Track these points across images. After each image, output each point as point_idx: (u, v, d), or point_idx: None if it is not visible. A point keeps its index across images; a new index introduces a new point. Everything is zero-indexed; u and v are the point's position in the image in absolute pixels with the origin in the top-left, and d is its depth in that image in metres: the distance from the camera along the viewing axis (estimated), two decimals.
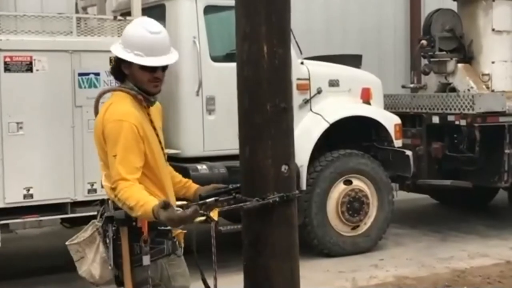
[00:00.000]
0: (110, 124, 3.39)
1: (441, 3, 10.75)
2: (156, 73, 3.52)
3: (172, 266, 3.55)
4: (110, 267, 3.49)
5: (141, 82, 3.52)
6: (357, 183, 8.27)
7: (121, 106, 3.45)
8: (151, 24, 3.55)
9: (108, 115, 3.43)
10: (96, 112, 3.65)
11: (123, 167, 3.32)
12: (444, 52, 9.87)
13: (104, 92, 3.67)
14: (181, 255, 3.63)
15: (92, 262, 3.52)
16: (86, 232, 3.58)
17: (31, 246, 9.03)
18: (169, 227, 3.46)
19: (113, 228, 3.46)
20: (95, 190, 6.82)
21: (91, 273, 3.52)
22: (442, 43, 9.80)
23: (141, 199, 3.24)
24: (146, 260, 3.41)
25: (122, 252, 3.44)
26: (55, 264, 7.70)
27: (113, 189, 3.34)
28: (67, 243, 3.59)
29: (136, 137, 3.39)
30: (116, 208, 3.45)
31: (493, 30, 9.81)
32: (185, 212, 3.19)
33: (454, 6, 10.26)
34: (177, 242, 3.60)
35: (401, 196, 9.70)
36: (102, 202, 3.64)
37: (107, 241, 3.49)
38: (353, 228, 8.29)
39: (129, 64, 3.49)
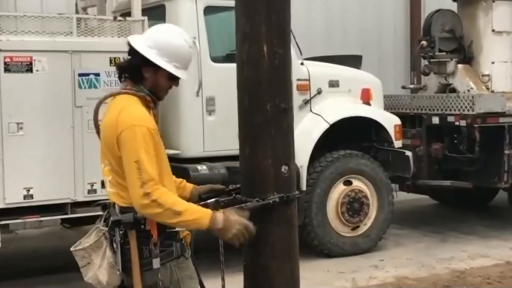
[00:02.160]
0: (128, 129, 3.32)
1: (441, 3, 10.74)
2: (176, 83, 3.56)
3: (181, 269, 3.49)
4: (118, 272, 3.40)
5: (160, 89, 3.53)
6: (357, 183, 8.27)
7: (135, 110, 3.40)
8: (188, 37, 3.60)
9: (125, 119, 3.35)
10: (96, 117, 3.60)
11: (152, 170, 3.30)
12: (444, 53, 9.88)
13: (106, 98, 3.57)
14: (189, 257, 3.57)
15: (99, 267, 3.43)
16: (90, 237, 3.50)
17: (31, 246, 9.03)
18: (177, 229, 3.42)
19: (121, 232, 3.38)
20: (95, 191, 6.82)
21: (98, 279, 3.43)
22: (442, 43, 9.80)
23: (191, 205, 3.36)
24: (156, 263, 3.35)
25: (131, 256, 3.36)
26: (55, 264, 7.70)
27: (148, 194, 3.26)
28: (72, 249, 3.50)
29: (155, 142, 3.38)
30: (123, 212, 3.39)
31: (493, 30, 9.81)
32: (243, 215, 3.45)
33: (454, 6, 10.26)
34: (185, 244, 3.54)
35: (401, 196, 9.71)
36: (104, 206, 3.56)
37: (114, 245, 3.41)
38: (353, 229, 8.29)
39: (156, 70, 3.46)
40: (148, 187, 3.27)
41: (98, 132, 3.61)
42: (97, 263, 3.44)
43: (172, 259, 3.45)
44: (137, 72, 3.49)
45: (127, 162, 3.32)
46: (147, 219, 3.35)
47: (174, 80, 3.55)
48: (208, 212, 3.36)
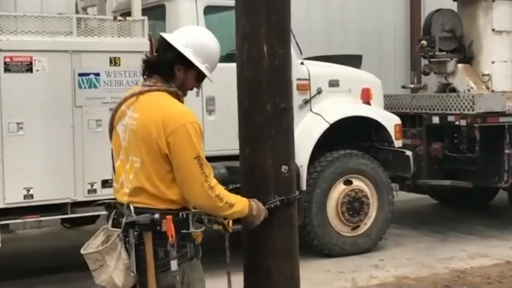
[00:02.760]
0: (183, 127, 3.34)
1: (441, 3, 10.73)
2: (199, 85, 3.65)
3: (192, 270, 3.48)
4: (132, 274, 3.37)
5: (186, 87, 3.60)
6: (357, 183, 8.26)
7: (181, 106, 3.47)
8: (217, 41, 3.69)
9: (175, 117, 3.37)
10: (114, 116, 3.56)
11: (209, 165, 3.41)
12: (444, 53, 9.87)
13: (133, 95, 3.51)
14: (199, 258, 3.56)
15: (114, 269, 3.38)
16: (98, 238, 3.46)
17: (31, 246, 9.02)
18: (191, 230, 3.41)
19: (135, 233, 3.35)
20: (95, 191, 6.81)
21: (114, 282, 3.38)
22: (442, 43, 9.80)
23: (235, 196, 3.54)
24: (174, 265, 3.33)
25: (147, 257, 3.35)
26: (55, 264, 7.71)
27: (212, 187, 3.37)
28: (83, 252, 3.44)
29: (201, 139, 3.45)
30: (139, 213, 3.37)
31: (493, 30, 9.80)
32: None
33: (454, 6, 10.25)
34: (197, 245, 3.52)
35: (401, 196, 9.70)
36: (108, 206, 3.55)
37: (127, 247, 3.38)
38: (353, 229, 8.28)
39: (187, 69, 3.51)
40: (211, 179, 3.38)
41: (111, 130, 3.60)
42: (112, 265, 3.38)
43: (185, 260, 3.42)
44: (169, 69, 3.51)
45: (185, 159, 3.35)
46: (163, 220, 3.32)
47: (199, 81, 3.61)
48: (246, 200, 3.57)
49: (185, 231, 3.40)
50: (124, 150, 3.50)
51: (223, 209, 3.43)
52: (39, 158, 6.66)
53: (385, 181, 8.46)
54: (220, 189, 3.42)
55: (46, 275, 7.46)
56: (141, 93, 3.49)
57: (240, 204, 3.52)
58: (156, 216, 3.33)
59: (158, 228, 3.34)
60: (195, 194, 3.36)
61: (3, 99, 6.53)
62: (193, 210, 3.43)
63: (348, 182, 8.23)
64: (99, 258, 3.41)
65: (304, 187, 7.84)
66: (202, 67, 3.53)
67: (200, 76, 3.57)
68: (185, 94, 3.61)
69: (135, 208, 3.39)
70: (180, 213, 3.39)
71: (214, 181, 3.39)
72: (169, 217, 3.33)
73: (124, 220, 3.38)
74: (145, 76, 3.58)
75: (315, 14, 12.38)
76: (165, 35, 3.56)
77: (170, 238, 3.30)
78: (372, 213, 8.36)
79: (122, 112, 3.53)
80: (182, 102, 3.55)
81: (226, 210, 3.44)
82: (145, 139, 3.38)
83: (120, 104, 3.56)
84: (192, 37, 3.58)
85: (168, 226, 3.32)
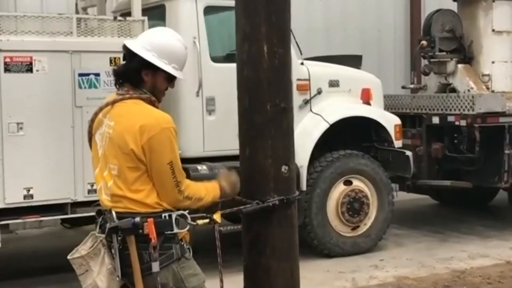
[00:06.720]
0: (160, 133, 3.38)
1: (441, 3, 10.74)
2: (172, 84, 3.63)
3: (183, 268, 3.51)
4: (118, 279, 3.41)
5: (159, 91, 3.59)
6: (357, 183, 8.26)
7: (156, 112, 3.48)
8: (181, 38, 3.66)
9: (152, 123, 3.39)
10: (92, 122, 3.64)
11: (181, 168, 3.48)
12: (444, 53, 9.87)
13: (108, 104, 3.57)
14: (191, 257, 3.58)
15: (98, 274, 3.44)
16: (86, 244, 3.51)
17: (31, 246, 9.03)
18: (175, 231, 3.45)
19: (119, 238, 3.40)
20: (95, 191, 6.76)
21: (98, 286, 3.44)
22: (442, 43, 9.80)
23: (206, 187, 3.64)
24: (155, 266, 3.36)
25: (132, 261, 3.38)
26: (55, 264, 7.69)
27: (181, 191, 3.45)
28: (69, 257, 3.51)
29: (176, 139, 3.47)
30: (120, 217, 3.40)
31: (493, 30, 9.80)
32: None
33: (454, 6, 10.26)
34: (184, 245, 3.55)
35: (401, 196, 9.70)
36: (99, 212, 3.58)
37: (113, 251, 3.42)
38: (353, 229, 8.28)
39: (154, 72, 3.50)
40: (181, 184, 3.45)
41: (90, 139, 3.68)
42: (96, 270, 3.44)
43: (172, 261, 3.45)
44: (136, 76, 3.52)
45: (159, 164, 3.41)
46: (145, 223, 3.37)
47: (171, 81, 3.60)
48: (216, 186, 3.65)
49: (169, 232, 3.43)
50: (102, 157, 3.56)
51: (192, 205, 3.54)
52: (39, 158, 6.66)
53: (385, 181, 8.47)
54: (189, 190, 3.50)
55: (46, 275, 7.47)
56: (115, 101, 3.54)
57: (210, 193, 3.61)
58: (137, 220, 3.37)
59: (141, 231, 3.37)
60: (166, 196, 3.45)
61: (3, 99, 6.53)
62: (176, 211, 3.48)
63: (348, 182, 8.23)
64: (84, 263, 3.47)
65: (304, 187, 7.84)
66: (168, 68, 3.51)
67: (170, 77, 3.57)
68: (160, 96, 3.62)
69: (117, 213, 3.43)
70: (163, 215, 3.43)
71: (184, 186, 3.47)
72: (151, 219, 3.37)
73: (107, 226, 3.43)
74: (117, 86, 3.62)
75: (315, 14, 12.38)
76: (127, 42, 3.56)
77: (152, 240, 3.34)
78: (372, 213, 8.36)
79: (99, 121, 3.60)
80: (157, 107, 3.56)
81: (195, 205, 3.56)
82: (121, 147, 3.43)
83: (96, 114, 3.64)
84: (153, 39, 3.55)
85: (150, 228, 3.36)
